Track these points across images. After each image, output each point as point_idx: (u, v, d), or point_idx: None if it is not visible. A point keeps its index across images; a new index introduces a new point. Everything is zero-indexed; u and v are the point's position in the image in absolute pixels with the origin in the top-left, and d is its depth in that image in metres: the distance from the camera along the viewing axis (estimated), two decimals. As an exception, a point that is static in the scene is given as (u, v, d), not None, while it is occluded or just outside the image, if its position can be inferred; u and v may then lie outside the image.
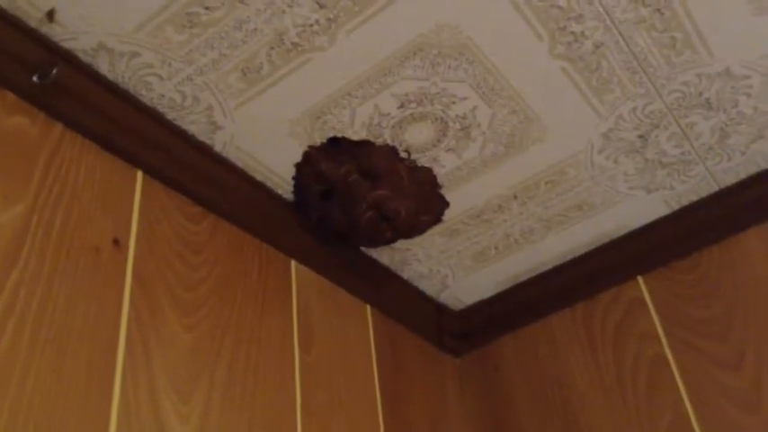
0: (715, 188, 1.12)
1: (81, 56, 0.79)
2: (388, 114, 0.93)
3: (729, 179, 1.11)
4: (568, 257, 1.22)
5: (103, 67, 0.81)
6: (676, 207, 1.15)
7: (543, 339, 1.24)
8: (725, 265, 1.11)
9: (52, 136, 0.76)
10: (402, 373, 1.14)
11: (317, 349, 0.98)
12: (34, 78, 0.76)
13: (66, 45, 0.78)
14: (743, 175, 1.10)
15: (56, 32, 0.77)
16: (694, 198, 1.13)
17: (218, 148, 0.93)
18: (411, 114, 0.93)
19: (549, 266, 1.23)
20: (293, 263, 1.02)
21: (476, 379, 1.27)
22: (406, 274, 1.21)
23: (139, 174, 0.84)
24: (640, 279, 1.18)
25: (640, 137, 1.02)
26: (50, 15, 0.76)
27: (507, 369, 1.25)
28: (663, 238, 1.16)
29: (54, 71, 0.76)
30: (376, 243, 1.06)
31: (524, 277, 1.25)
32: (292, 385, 0.89)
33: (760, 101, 0.98)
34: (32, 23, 0.76)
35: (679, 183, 1.10)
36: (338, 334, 1.04)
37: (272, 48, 0.83)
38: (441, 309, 1.28)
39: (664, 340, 1.12)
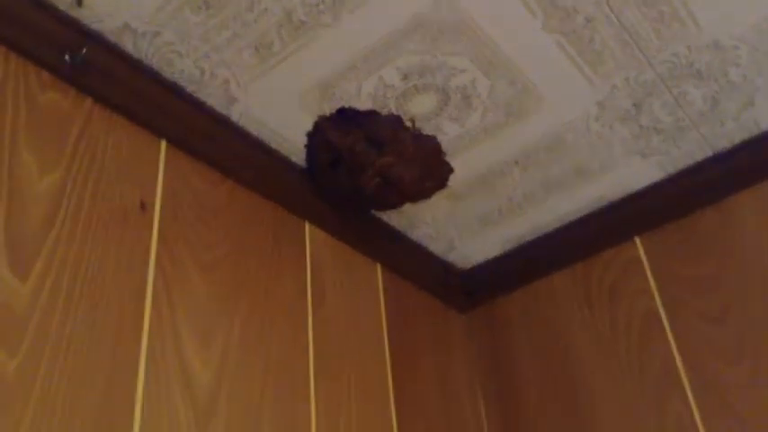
0: (709, 153, 1.17)
1: (108, 36, 0.87)
2: (393, 86, 0.99)
3: (723, 144, 1.16)
4: (568, 219, 1.28)
5: (128, 46, 0.88)
6: (672, 171, 1.20)
7: (545, 296, 1.31)
8: (717, 226, 1.17)
9: (83, 110, 0.84)
10: (410, 329, 1.22)
11: (329, 304, 1.06)
12: (66, 58, 0.83)
13: (94, 27, 0.86)
14: (736, 140, 1.15)
15: (84, 16, 0.85)
16: (689, 162, 1.18)
17: (234, 118, 1.00)
18: (414, 86, 1.00)
19: (551, 228, 1.29)
20: (306, 224, 1.09)
21: (481, 334, 1.35)
22: (414, 236, 1.28)
23: (163, 143, 0.92)
24: (637, 239, 1.24)
25: (635, 105, 1.07)
26: (79, 1, 0.83)
27: (511, 324, 1.33)
28: (659, 201, 1.22)
29: (83, 51, 0.84)
30: (383, 207, 1.14)
31: (527, 238, 1.31)
32: (305, 337, 0.98)
33: (749, 70, 1.03)
34: (63, 8, 0.83)
35: (674, 148, 1.16)
36: (349, 291, 1.12)
37: (281, 26, 0.89)
38: (448, 268, 1.35)
39: (656, 296, 1.18)
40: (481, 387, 1.31)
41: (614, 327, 1.21)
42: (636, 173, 1.19)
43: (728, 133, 1.13)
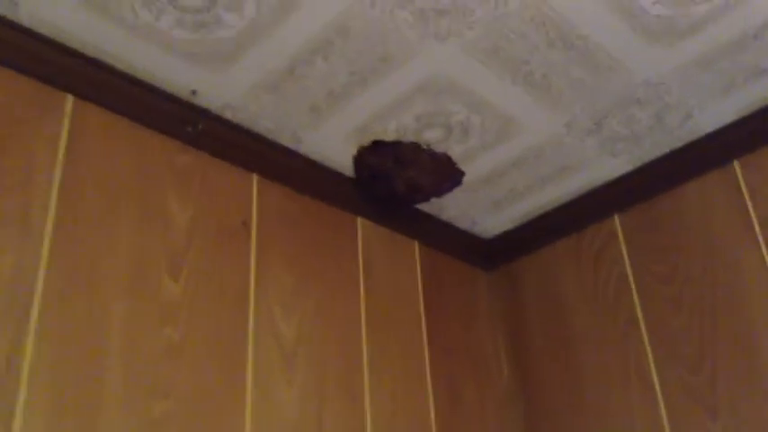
0: (666, 150, 1.51)
1: (215, 111, 1.31)
2: (410, 125, 1.39)
3: (675, 144, 1.49)
4: (562, 201, 1.65)
5: (228, 116, 1.32)
6: (638, 164, 1.55)
7: (548, 261, 1.70)
8: (673, 208, 1.51)
9: (201, 164, 1.29)
10: (443, 287, 1.65)
11: (376, 275, 1.49)
12: (189, 129, 1.28)
13: (206, 105, 1.30)
14: (683, 143, 1.48)
15: (198, 100, 1.29)
16: (650, 158, 1.53)
17: (303, 151, 1.43)
18: (425, 123, 1.39)
19: (549, 208, 1.67)
20: (358, 219, 1.53)
21: (500, 289, 1.76)
22: (444, 216, 1.69)
23: (255, 177, 1.36)
24: (616, 217, 1.60)
25: (595, 124, 1.42)
26: (194, 92, 1.27)
27: (523, 282, 1.73)
28: (630, 187, 1.57)
29: (200, 125, 1.28)
30: (414, 203, 1.55)
31: (531, 216, 1.70)
32: (358, 301, 1.42)
33: (681, 95, 1.36)
34: (184, 97, 1.28)
35: (637, 149, 1.50)
36: (392, 264, 1.55)
37: (329, 93, 1.30)
38: (473, 238, 1.76)
39: (627, 263, 1.55)
40: (501, 331, 1.73)
41: (596, 285, 1.59)
42: (610, 167, 1.55)
43: (676, 138, 1.47)
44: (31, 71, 1.12)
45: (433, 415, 1.45)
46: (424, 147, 1.44)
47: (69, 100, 1.15)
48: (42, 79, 1.13)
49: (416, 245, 1.64)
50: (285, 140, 1.40)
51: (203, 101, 1.29)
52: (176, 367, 1.12)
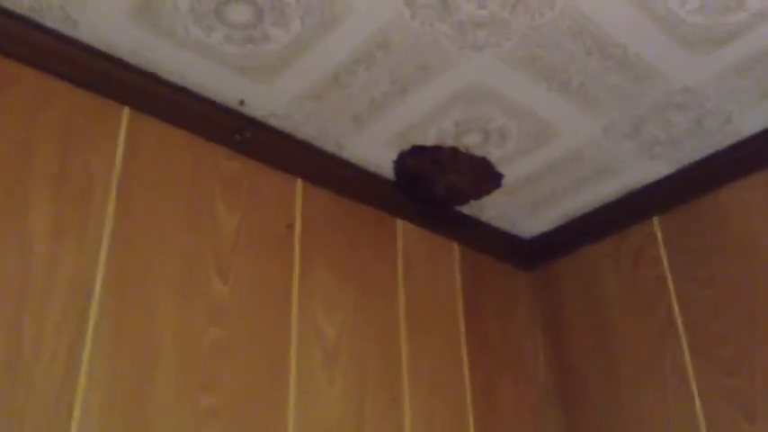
0: (705, 153, 1.51)
1: (261, 119, 1.36)
2: (449, 130, 1.43)
3: (714, 147, 1.50)
4: (602, 203, 1.67)
5: (274, 123, 1.38)
6: (678, 167, 1.55)
7: (587, 261, 1.72)
8: (713, 211, 1.52)
9: (248, 170, 1.35)
10: (482, 288, 1.68)
11: (415, 276, 1.54)
12: (237, 137, 1.34)
13: (253, 114, 1.36)
14: (723, 146, 1.49)
15: (246, 109, 1.34)
16: (690, 161, 1.53)
17: (345, 156, 1.48)
18: (465, 128, 1.42)
19: (589, 209, 1.69)
20: (398, 221, 1.57)
21: (540, 288, 1.79)
22: (484, 218, 1.72)
23: (299, 181, 1.42)
24: (656, 219, 1.61)
25: (634, 129, 1.44)
26: (241, 102, 1.33)
27: (562, 282, 1.75)
28: (670, 190, 1.58)
29: (247, 133, 1.34)
30: (454, 205, 1.59)
31: (572, 217, 1.72)
32: (396, 307, 1.47)
33: (719, 101, 1.36)
34: (233, 106, 1.34)
35: (676, 152, 1.51)
36: (431, 265, 1.59)
37: (371, 101, 1.35)
38: (513, 239, 1.79)
39: (665, 265, 1.57)
40: (539, 331, 1.75)
41: (635, 286, 1.61)
42: (649, 170, 1.56)
43: (714, 140, 1.47)
44: (90, 85, 1.20)
45: (471, 414, 1.50)
46: (463, 150, 1.48)
47: (126, 112, 1.23)
48: (100, 93, 1.20)
49: (455, 246, 1.68)
50: (328, 146, 1.45)
51: (250, 110, 1.35)
52: (223, 364, 1.19)
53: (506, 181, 1.59)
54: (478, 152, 1.49)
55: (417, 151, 1.47)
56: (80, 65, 1.19)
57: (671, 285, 1.55)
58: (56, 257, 1.07)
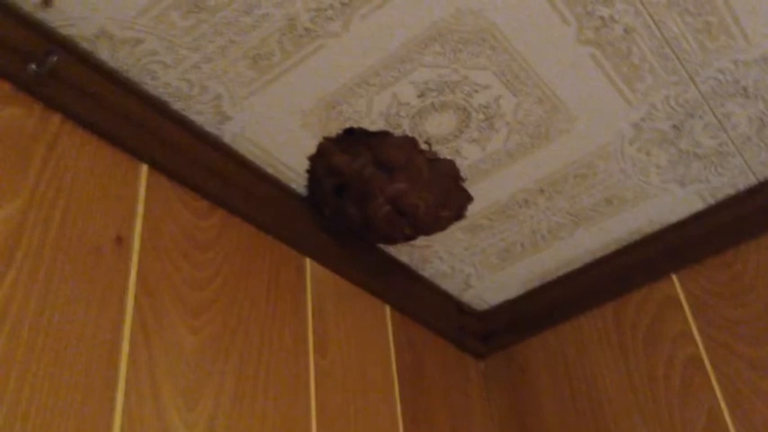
0: (753, 181, 1.06)
1: (80, 43, 0.75)
2: (408, 104, 0.88)
3: (768, 171, 1.04)
4: (598, 255, 1.16)
5: (104, 54, 0.76)
6: (712, 201, 1.08)
7: (571, 341, 1.18)
8: (762, 262, 1.05)
9: (50, 128, 0.72)
10: (423, 377, 1.09)
11: (333, 352, 0.93)
12: (32, 67, 0.72)
13: (65, 32, 0.74)
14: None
15: (53, 18, 0.73)
16: (731, 192, 1.07)
17: (227, 139, 0.88)
18: (431, 104, 0.88)
19: (578, 264, 1.17)
20: (308, 261, 0.97)
21: (501, 382, 1.22)
22: (427, 273, 1.16)
23: (144, 167, 0.80)
24: (674, 277, 1.12)
25: (674, 127, 0.96)
26: (47, 0, 0.71)
27: (534, 372, 1.20)
28: (698, 234, 1.10)
29: (52, 59, 0.72)
30: (394, 240, 1.01)
31: (552, 276, 1.19)
32: (306, 392, 0.85)
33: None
34: (28, 8, 0.72)
35: (715, 175, 1.04)
36: (356, 336, 0.99)
37: (283, 34, 0.78)
38: (464, 309, 1.22)
39: (699, 341, 1.06)
40: (501, 441, 1.17)
41: (652, 376, 1.08)
42: (673, 203, 1.08)
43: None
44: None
45: None
46: (423, 146, 0.93)
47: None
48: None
49: (387, 310, 1.09)
50: (201, 114, 0.84)
51: (62, 19, 0.73)
52: None
53: (473, 208, 1.04)
54: (446, 151, 0.95)
55: (351, 139, 0.90)
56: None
57: (711, 372, 1.04)
58: None
